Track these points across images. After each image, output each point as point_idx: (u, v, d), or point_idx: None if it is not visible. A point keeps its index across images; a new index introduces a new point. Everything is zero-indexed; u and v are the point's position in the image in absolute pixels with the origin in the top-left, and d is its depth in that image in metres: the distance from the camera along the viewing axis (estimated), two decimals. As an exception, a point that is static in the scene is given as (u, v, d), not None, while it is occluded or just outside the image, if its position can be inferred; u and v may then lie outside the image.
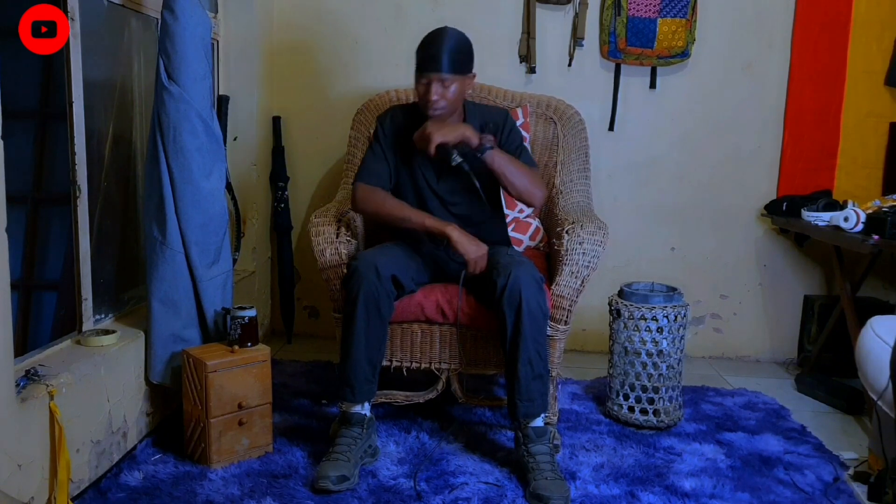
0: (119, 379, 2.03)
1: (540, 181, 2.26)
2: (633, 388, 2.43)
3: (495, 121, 2.28)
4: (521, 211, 2.77)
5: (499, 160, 2.13)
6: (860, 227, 2.57)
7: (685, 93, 3.17)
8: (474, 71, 2.21)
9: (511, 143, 2.27)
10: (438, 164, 2.23)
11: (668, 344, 2.40)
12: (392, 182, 2.27)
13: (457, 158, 2.10)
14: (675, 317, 2.40)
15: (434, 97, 2.10)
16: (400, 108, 2.37)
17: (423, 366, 2.28)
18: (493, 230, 2.33)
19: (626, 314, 2.42)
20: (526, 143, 2.77)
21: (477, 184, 2.13)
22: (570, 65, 3.16)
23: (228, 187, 2.69)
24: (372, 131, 2.80)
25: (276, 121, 3.23)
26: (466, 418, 2.45)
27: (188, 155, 2.10)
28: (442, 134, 2.08)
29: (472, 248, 2.12)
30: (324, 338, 3.22)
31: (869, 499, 1.99)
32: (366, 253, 2.15)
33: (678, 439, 2.36)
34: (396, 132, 2.28)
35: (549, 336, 2.17)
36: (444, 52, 2.10)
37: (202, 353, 2.10)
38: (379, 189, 2.22)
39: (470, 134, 2.11)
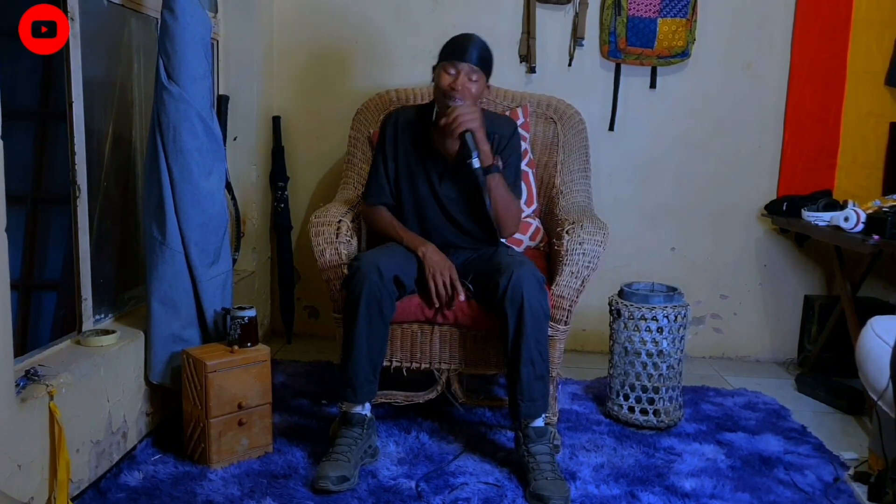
0: (119, 379, 2.03)
1: (517, 219, 2.32)
2: (633, 389, 2.43)
3: (501, 133, 2.29)
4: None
5: (498, 186, 2.17)
6: (860, 227, 2.57)
7: (685, 93, 3.17)
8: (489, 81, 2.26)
9: (509, 156, 2.29)
10: (444, 165, 2.24)
11: (668, 344, 2.40)
12: (393, 192, 2.32)
13: (476, 162, 2.10)
14: (676, 317, 2.40)
15: (460, 87, 2.13)
16: (406, 109, 2.39)
17: (423, 366, 2.28)
18: (485, 236, 2.33)
19: (627, 314, 2.42)
20: (525, 144, 2.78)
21: (486, 194, 2.14)
22: (570, 65, 3.16)
23: (228, 187, 2.69)
24: (372, 132, 2.81)
25: (276, 121, 3.23)
26: (466, 418, 2.45)
27: (188, 155, 2.10)
28: (478, 127, 2.12)
29: (435, 262, 2.17)
30: (324, 338, 3.22)
31: (869, 499, 1.98)
32: (367, 253, 2.15)
33: (678, 439, 2.36)
34: (401, 134, 2.31)
35: (549, 336, 2.17)
36: (475, 47, 2.16)
37: (202, 353, 2.10)
38: (378, 208, 2.32)
39: (488, 151, 2.16)
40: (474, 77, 2.15)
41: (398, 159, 2.30)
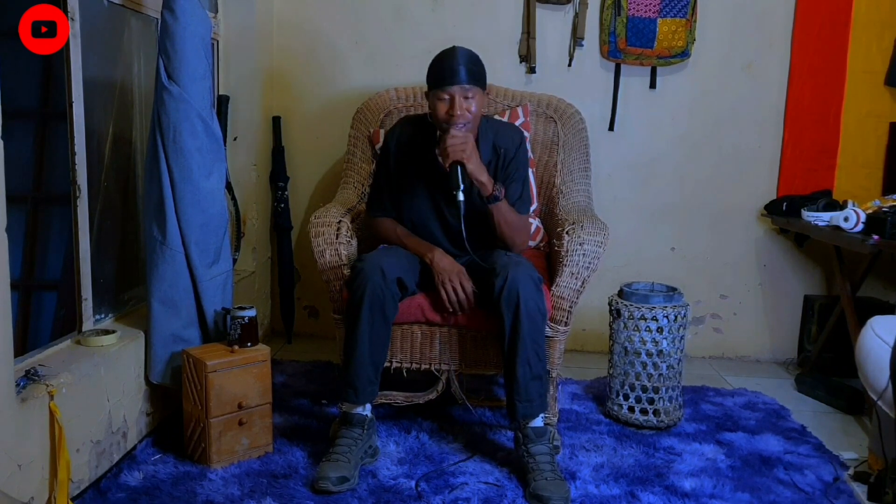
0: (119, 379, 2.03)
1: (526, 235, 2.30)
2: (633, 388, 2.43)
3: (507, 147, 2.24)
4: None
5: (501, 213, 2.14)
6: (860, 227, 2.57)
7: (685, 93, 3.17)
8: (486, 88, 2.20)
9: (515, 171, 2.24)
10: (446, 182, 2.19)
11: (668, 344, 2.40)
12: (396, 206, 2.30)
13: (461, 196, 2.07)
14: (675, 317, 2.40)
15: (458, 112, 2.06)
16: (409, 120, 2.36)
17: (424, 367, 2.28)
18: (484, 246, 2.31)
19: (626, 314, 2.42)
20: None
21: (463, 226, 2.09)
22: (570, 65, 3.16)
23: (228, 187, 2.69)
24: (372, 131, 2.81)
25: (276, 121, 3.23)
26: (466, 419, 2.45)
27: (188, 155, 2.10)
28: (470, 158, 2.06)
29: (444, 268, 2.15)
30: (324, 338, 3.23)
31: (869, 499, 1.98)
32: (371, 255, 2.14)
33: (678, 439, 2.36)
34: (404, 151, 2.28)
35: (548, 337, 2.18)
36: (462, 65, 2.08)
37: (202, 353, 2.10)
38: (383, 220, 2.31)
39: (486, 181, 2.10)
40: (469, 95, 2.08)
41: (401, 176, 2.28)
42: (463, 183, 2.06)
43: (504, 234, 2.19)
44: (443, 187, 2.22)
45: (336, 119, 3.17)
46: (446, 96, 2.08)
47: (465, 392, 2.32)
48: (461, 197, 2.06)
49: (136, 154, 2.44)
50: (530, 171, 2.75)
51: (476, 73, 2.11)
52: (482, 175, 2.09)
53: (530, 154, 2.79)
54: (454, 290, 2.13)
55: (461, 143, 2.05)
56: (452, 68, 2.07)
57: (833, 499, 2.02)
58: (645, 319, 2.38)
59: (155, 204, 2.12)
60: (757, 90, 3.16)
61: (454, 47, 2.14)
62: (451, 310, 2.16)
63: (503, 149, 2.23)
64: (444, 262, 2.17)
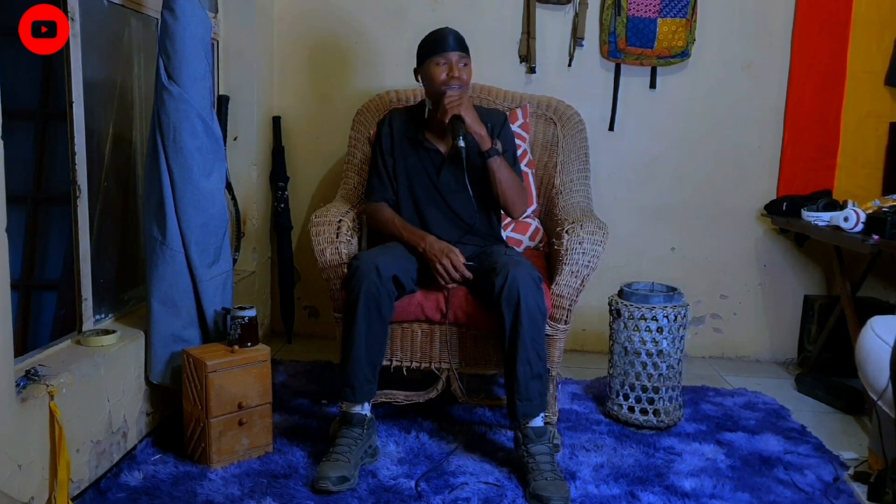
0: (119, 379, 2.03)
1: (527, 197, 2.39)
2: (633, 388, 2.43)
3: (493, 122, 2.35)
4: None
5: (501, 169, 2.23)
6: (860, 227, 2.57)
7: (685, 93, 3.17)
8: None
9: (504, 142, 2.33)
10: (440, 158, 2.26)
11: (668, 344, 2.40)
12: (394, 187, 2.35)
13: (462, 142, 2.15)
14: (675, 317, 2.40)
15: (457, 73, 2.20)
16: (399, 110, 2.44)
17: (423, 366, 2.28)
18: (485, 229, 2.35)
19: (626, 314, 2.42)
20: (525, 145, 2.78)
21: (466, 175, 2.18)
22: (570, 65, 3.16)
23: (228, 187, 2.69)
24: (372, 132, 2.81)
25: (276, 121, 3.23)
26: (466, 418, 2.45)
27: (188, 155, 2.10)
28: (467, 111, 2.16)
29: (435, 252, 2.18)
30: (324, 338, 3.23)
31: (869, 499, 1.98)
32: (367, 253, 2.15)
33: (678, 439, 2.36)
34: (396, 133, 2.35)
35: (548, 335, 2.18)
36: (453, 36, 2.25)
37: (202, 353, 2.10)
38: (380, 205, 2.35)
39: (485, 135, 2.20)
40: (464, 62, 2.23)
41: (395, 156, 2.34)
42: (460, 133, 2.15)
43: (505, 193, 2.25)
44: (438, 164, 2.30)
45: (336, 119, 3.17)
46: (444, 61, 2.22)
47: (464, 386, 2.32)
48: (462, 143, 2.15)
49: (136, 154, 2.44)
50: (530, 171, 2.76)
51: (466, 46, 2.28)
52: (480, 128, 2.20)
53: (530, 155, 2.79)
54: (446, 268, 2.16)
55: (458, 98, 2.17)
56: (447, 38, 2.25)
57: (833, 499, 2.02)
58: (645, 319, 2.38)
59: (155, 204, 2.12)
60: (757, 90, 3.16)
61: (444, 26, 2.29)
62: (448, 286, 2.19)
63: (489, 124, 2.32)
64: (436, 246, 2.20)
